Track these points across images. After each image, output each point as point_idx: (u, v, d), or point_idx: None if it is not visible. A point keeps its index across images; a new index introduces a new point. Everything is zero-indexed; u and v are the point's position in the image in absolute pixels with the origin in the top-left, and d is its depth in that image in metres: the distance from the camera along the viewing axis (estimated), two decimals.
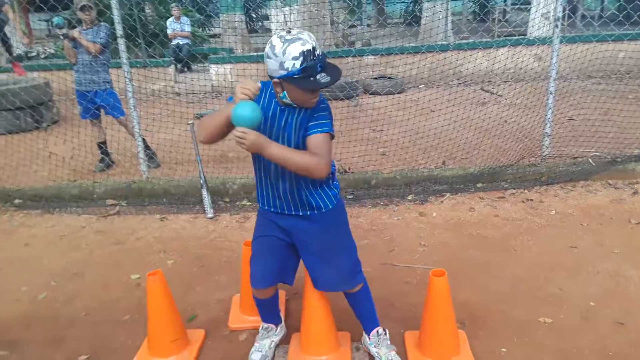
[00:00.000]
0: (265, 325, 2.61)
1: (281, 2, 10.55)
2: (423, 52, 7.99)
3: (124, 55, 4.61)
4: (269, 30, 15.01)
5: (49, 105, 7.84)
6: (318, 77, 1.91)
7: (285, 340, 2.67)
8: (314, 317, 2.45)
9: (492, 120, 5.98)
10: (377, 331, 2.48)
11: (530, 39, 9.51)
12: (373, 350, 2.48)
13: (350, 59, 8.87)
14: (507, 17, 13.96)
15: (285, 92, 1.98)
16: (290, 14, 10.07)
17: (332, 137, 2.08)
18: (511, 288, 3.08)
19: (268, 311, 2.58)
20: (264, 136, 1.98)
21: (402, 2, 18.85)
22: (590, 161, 4.75)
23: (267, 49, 1.92)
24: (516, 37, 9.73)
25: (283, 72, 1.90)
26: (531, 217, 4.04)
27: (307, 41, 1.88)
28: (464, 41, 10.30)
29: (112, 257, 3.76)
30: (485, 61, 8.19)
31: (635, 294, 2.97)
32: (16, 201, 4.77)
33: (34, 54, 11.89)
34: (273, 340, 2.60)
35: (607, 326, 2.70)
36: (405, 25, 15.39)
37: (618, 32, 7.05)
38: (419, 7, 14.72)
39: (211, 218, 4.33)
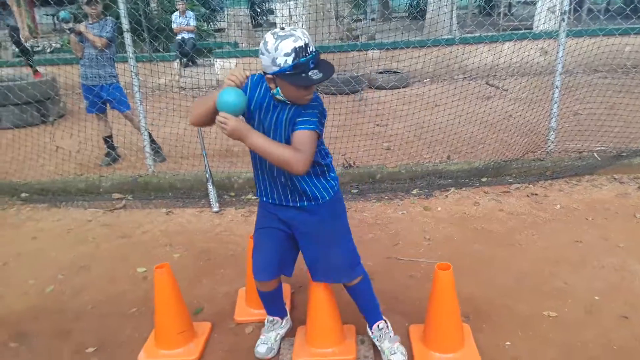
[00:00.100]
0: (271, 318, 2.63)
1: None
2: (428, 46, 7.95)
3: (130, 49, 4.62)
4: (274, 24, 14.98)
5: (55, 99, 7.87)
6: (310, 73, 1.91)
7: (290, 333, 2.69)
8: (319, 310, 2.47)
9: (497, 115, 5.97)
10: (378, 325, 2.49)
11: (536, 32, 9.47)
12: (377, 343, 2.51)
13: (355, 53, 8.83)
14: (513, 11, 13.89)
15: (278, 88, 1.99)
16: (295, 7, 10.06)
17: (319, 135, 2.07)
18: (516, 282, 3.09)
19: (272, 304, 2.60)
20: (246, 124, 2.00)
21: None
22: (596, 155, 4.74)
23: (261, 45, 1.93)
24: (522, 31, 9.66)
25: (275, 69, 1.91)
26: (536, 212, 4.04)
27: (299, 38, 1.89)
28: (469, 35, 10.26)
29: (118, 250, 3.78)
30: (491, 55, 8.14)
31: None
32: (23, 195, 4.81)
33: (40, 48, 11.92)
34: (279, 333, 2.62)
35: (611, 320, 2.70)
36: (410, 19, 15.36)
37: (625, 26, 7.02)
38: (424, 0, 14.65)
39: (217, 212, 4.35)
